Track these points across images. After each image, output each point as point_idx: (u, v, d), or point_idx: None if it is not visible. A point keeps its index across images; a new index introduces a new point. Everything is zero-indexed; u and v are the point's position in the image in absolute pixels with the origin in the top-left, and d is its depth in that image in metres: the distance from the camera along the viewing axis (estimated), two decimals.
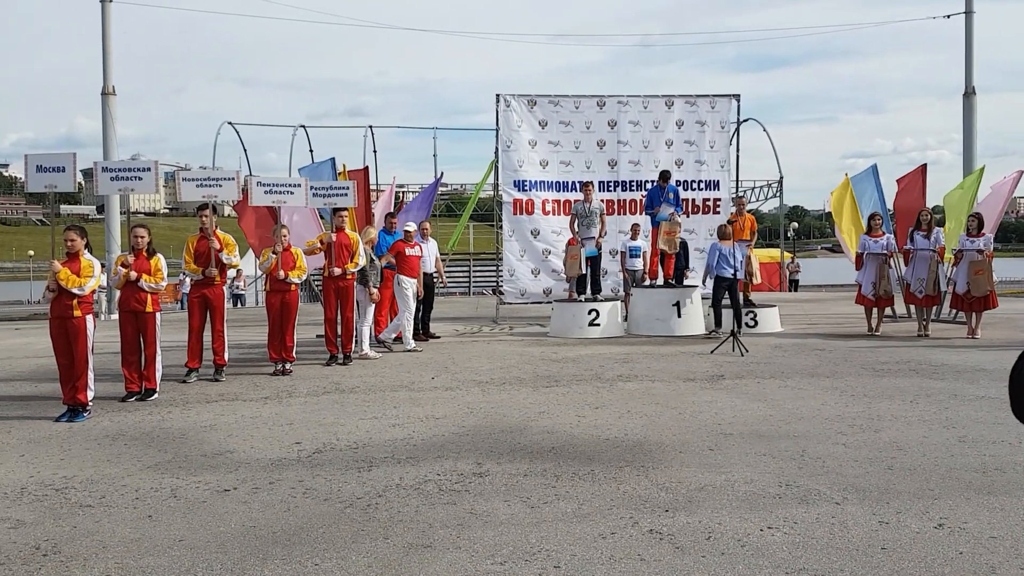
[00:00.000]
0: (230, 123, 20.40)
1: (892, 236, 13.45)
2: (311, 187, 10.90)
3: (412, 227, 12.10)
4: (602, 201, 14.41)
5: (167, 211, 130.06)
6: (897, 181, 15.44)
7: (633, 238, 14.32)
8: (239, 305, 27.45)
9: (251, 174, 10.94)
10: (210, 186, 9.68)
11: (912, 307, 13.43)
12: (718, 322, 12.59)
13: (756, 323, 13.13)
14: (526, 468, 5.50)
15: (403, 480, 5.28)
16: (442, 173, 16.00)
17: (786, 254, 32.36)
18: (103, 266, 7.85)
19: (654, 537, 4.22)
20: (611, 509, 4.65)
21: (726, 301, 12.43)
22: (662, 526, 4.37)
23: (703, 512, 4.58)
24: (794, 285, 32.45)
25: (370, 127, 18.74)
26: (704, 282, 13.09)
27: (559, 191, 15.26)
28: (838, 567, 3.79)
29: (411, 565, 3.91)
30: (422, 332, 12.87)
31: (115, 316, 17.22)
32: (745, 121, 16.41)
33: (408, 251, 11.78)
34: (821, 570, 3.77)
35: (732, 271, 12.27)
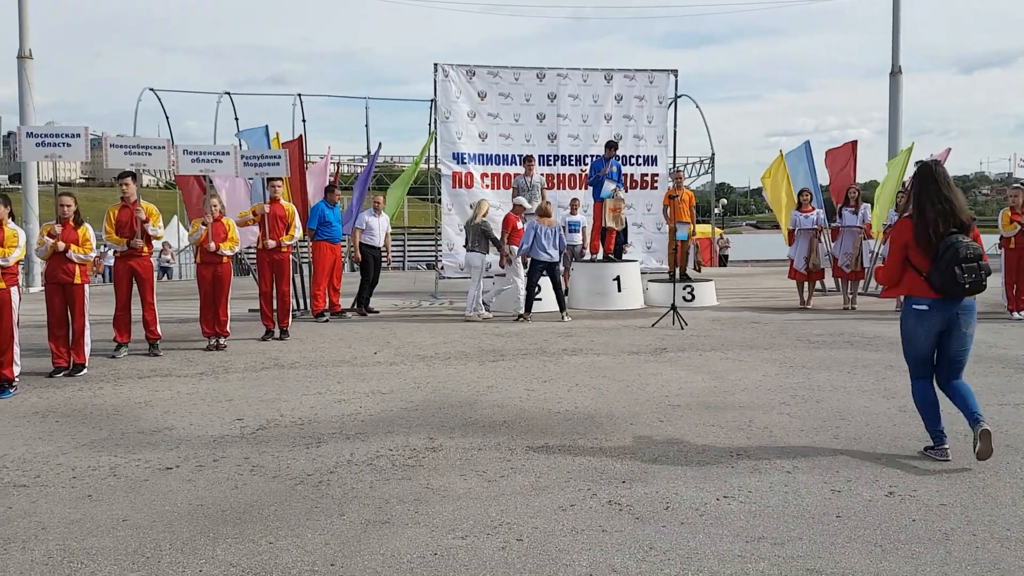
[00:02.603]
0: (152, 89, 19.50)
1: (822, 211, 13.75)
2: (242, 156, 10.54)
3: (523, 201, 12.65)
4: (542, 175, 14.35)
5: (83, 181, 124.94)
6: (826, 153, 15.74)
7: (572, 213, 14.29)
8: (165, 278, 26.64)
9: (173, 143, 10.45)
10: (139, 154, 9.27)
11: (839, 280, 13.77)
12: (528, 307, 11.82)
13: (693, 297, 13.29)
14: (480, 442, 5.44)
15: (354, 456, 5.16)
16: (380, 144, 15.64)
17: (717, 230, 32.92)
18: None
19: (613, 508, 4.21)
20: (568, 481, 4.63)
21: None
22: (620, 497, 4.37)
23: (659, 482, 4.59)
24: (724, 260, 33.06)
25: (299, 95, 18.16)
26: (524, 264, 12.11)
27: (498, 164, 15.13)
28: (796, 535, 3.84)
29: (370, 541, 3.82)
30: (362, 306, 12.67)
31: (33, 289, 16.54)
32: (679, 97, 16.46)
33: (519, 224, 12.25)
34: (780, 538, 3.81)
35: (549, 255, 11.56)
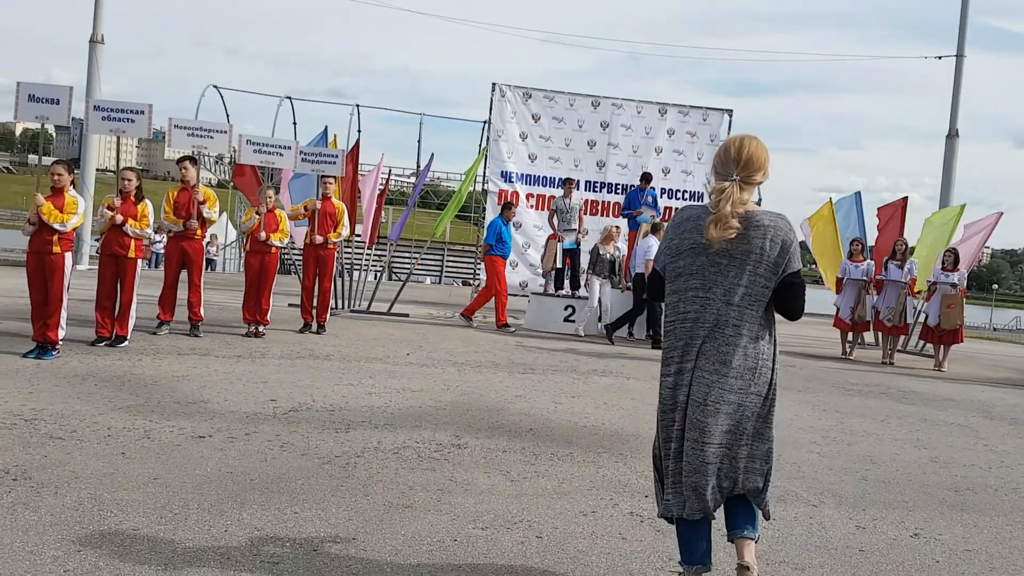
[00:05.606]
0: (215, 86, 19.98)
1: (871, 262, 13.64)
2: (300, 151, 10.79)
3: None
4: (585, 201, 14.43)
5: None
6: (878, 211, 15.63)
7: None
8: (210, 269, 27.03)
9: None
10: (201, 136, 9.51)
11: (879, 334, 13.61)
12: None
13: None
14: (505, 444, 5.47)
15: (381, 444, 5.22)
16: (432, 156, 15.82)
17: None
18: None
19: (635, 519, 4.21)
20: (591, 490, 4.65)
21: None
22: (642, 510, 4.37)
23: None
24: None
25: (356, 106, 18.48)
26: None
27: (544, 186, 15.23)
28: (817, 563, 3.81)
29: (392, 522, 3.87)
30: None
31: (81, 267, 16.91)
32: None
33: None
34: (801, 564, 3.79)
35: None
